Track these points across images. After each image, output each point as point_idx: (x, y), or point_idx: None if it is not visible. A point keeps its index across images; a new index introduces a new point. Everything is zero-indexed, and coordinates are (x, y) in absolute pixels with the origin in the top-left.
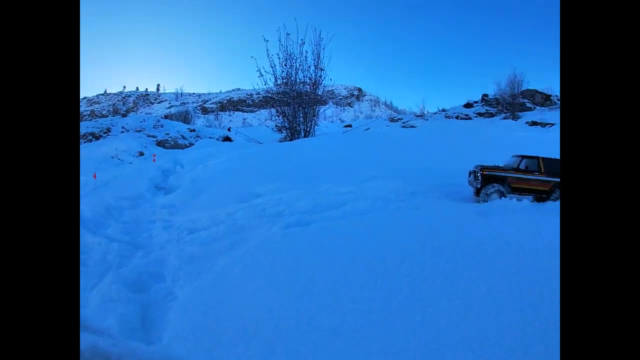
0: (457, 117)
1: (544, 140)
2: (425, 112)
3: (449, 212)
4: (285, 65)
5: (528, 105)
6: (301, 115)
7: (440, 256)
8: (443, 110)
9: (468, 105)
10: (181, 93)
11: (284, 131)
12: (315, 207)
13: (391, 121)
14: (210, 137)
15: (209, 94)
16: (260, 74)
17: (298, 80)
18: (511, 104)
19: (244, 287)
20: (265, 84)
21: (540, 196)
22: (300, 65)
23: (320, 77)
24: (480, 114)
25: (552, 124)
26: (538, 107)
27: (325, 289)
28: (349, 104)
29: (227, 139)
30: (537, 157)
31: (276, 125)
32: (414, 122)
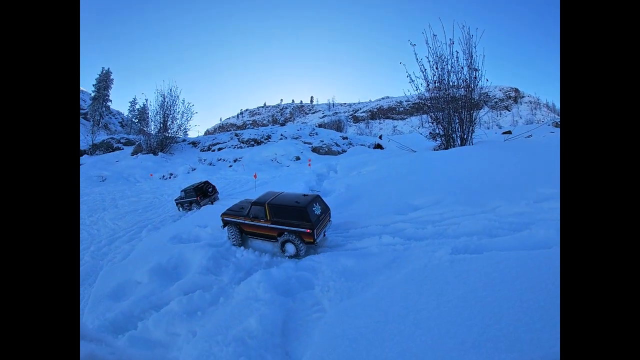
0: None
1: None
2: None
3: None
4: (437, 68)
5: None
6: (457, 121)
7: None
8: None
9: None
10: (333, 103)
11: (438, 139)
12: (485, 229)
13: (556, 126)
14: (362, 145)
15: (359, 103)
16: (411, 79)
17: (451, 83)
18: None
19: (402, 321)
20: (416, 90)
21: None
22: (452, 67)
23: (474, 78)
24: None
25: None
26: None
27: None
28: (506, 108)
29: (378, 146)
30: (263, 204)
31: (430, 133)
32: None
